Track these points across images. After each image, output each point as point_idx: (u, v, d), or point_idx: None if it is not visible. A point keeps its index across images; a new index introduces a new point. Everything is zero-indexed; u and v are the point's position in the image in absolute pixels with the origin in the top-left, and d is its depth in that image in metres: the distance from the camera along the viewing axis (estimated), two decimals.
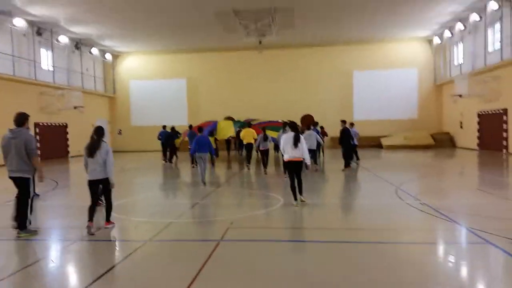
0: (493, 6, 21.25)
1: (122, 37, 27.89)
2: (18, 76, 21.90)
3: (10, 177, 6.76)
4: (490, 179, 13.17)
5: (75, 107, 25.45)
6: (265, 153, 15.11)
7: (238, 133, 21.09)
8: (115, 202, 7.47)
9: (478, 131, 24.49)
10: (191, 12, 22.20)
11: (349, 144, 15.45)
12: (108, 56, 31.96)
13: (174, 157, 20.86)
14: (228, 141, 24.72)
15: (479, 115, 24.34)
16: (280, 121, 21.81)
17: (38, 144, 21.30)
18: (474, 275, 4.94)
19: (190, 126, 20.04)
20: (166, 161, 20.59)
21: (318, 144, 15.65)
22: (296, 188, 8.80)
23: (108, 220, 7.11)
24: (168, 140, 20.93)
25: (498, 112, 22.08)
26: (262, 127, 16.27)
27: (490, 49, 22.92)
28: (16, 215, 6.72)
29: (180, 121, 28.90)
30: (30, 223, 6.81)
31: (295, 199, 8.74)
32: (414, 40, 30.14)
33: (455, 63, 27.69)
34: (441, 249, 5.96)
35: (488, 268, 5.14)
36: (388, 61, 30.48)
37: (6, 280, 4.82)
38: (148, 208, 9.52)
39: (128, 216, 8.23)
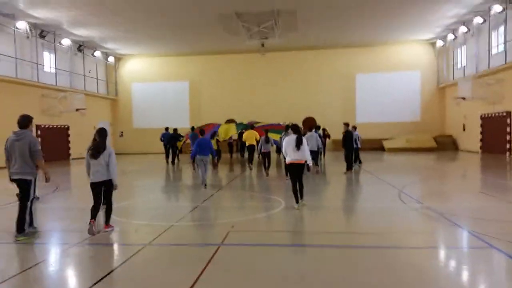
0: (497, 9, 21.18)
1: (125, 40, 27.95)
2: (21, 78, 21.96)
3: (12, 179, 6.76)
4: (493, 182, 13.07)
5: (77, 110, 25.48)
6: (266, 155, 15.09)
7: (240, 134, 21.10)
8: (115, 205, 7.43)
9: (481, 134, 24.39)
10: (194, 15, 22.22)
11: (352, 147, 15.43)
12: (111, 59, 32.08)
13: (176, 159, 20.86)
14: (230, 144, 24.72)
15: (482, 118, 24.24)
16: (282, 123, 21.79)
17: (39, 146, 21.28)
18: (477, 279, 4.86)
19: (193, 128, 20.06)
20: (168, 163, 20.65)
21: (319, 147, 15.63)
22: (298, 191, 8.75)
23: (107, 223, 7.07)
24: (171, 142, 20.96)
25: (501, 114, 21.98)
26: (265, 129, 16.26)
27: (493, 51, 22.84)
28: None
29: (182, 124, 28.89)
30: (28, 226, 6.79)
31: (297, 202, 8.68)
32: (417, 42, 30.09)
33: (458, 65, 27.62)
34: (443, 252, 5.88)
35: (491, 272, 5.07)
36: (391, 63, 30.42)
37: (5, 284, 4.77)
38: (149, 211, 9.46)
39: (129, 219, 8.19)
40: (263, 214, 8.65)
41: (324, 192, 11.97)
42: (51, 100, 24.41)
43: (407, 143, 28.20)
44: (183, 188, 13.46)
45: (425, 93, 30.59)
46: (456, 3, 21.44)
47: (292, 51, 30.58)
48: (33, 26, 23.01)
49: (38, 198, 9.94)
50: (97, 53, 29.75)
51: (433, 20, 24.53)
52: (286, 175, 12.52)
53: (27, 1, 19.53)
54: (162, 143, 22.06)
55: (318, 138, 14.76)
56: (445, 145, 28.15)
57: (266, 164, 15.00)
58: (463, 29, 25.29)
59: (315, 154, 14.09)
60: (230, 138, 24.03)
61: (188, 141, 20.28)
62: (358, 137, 16.73)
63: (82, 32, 25.47)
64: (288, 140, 8.73)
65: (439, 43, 29.16)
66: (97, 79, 30.88)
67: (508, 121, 21.28)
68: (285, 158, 9.07)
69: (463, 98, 24.01)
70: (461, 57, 27.31)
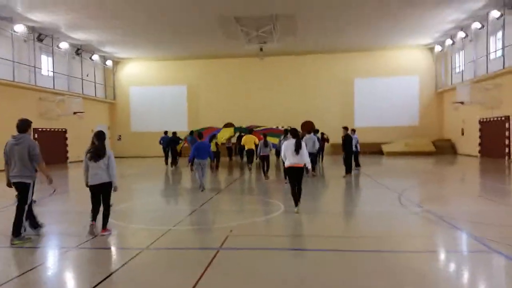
0: (495, 14, 21.25)
1: (123, 44, 27.93)
2: (18, 81, 21.90)
3: (12, 183, 6.74)
4: (491, 186, 13.07)
5: (74, 113, 25.42)
6: (265, 159, 15.11)
7: (239, 138, 21.10)
8: (113, 208, 7.38)
9: (480, 138, 24.42)
10: (193, 19, 22.22)
11: (351, 151, 15.46)
12: (109, 62, 32.04)
13: (175, 162, 20.86)
14: (229, 148, 24.70)
15: (480, 122, 24.28)
16: (280, 127, 21.81)
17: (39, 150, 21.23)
18: (476, 283, 4.85)
19: (191, 132, 20.03)
20: (168, 165, 20.71)
21: (317, 149, 15.72)
22: (297, 195, 8.73)
23: (104, 227, 7.00)
24: (169, 145, 20.98)
25: (500, 119, 22.03)
26: (263, 133, 16.31)
27: (491, 56, 22.91)
28: (27, 220, 6.82)
29: (180, 127, 28.80)
30: (25, 230, 6.76)
31: (296, 205, 8.65)
32: (415, 47, 30.18)
33: (457, 70, 27.70)
34: (443, 256, 5.86)
35: (490, 275, 5.05)
36: (390, 68, 30.50)
37: None
38: (147, 214, 9.41)
39: (126, 223, 8.13)
40: (263, 217, 8.62)
41: (323, 196, 11.94)
42: (48, 103, 24.34)
43: (406, 147, 28.23)
44: (182, 191, 13.42)
45: (424, 97, 30.66)
46: (455, 8, 21.49)
47: (291, 56, 30.60)
48: (31, 29, 22.99)
49: (35, 201, 9.87)
50: (95, 57, 29.73)
51: (431, 25, 24.61)
52: (285, 178, 12.50)
53: (25, 4, 19.52)
54: (160, 146, 22.06)
55: (316, 141, 14.81)
56: (444, 149, 28.19)
57: (265, 168, 15.03)
58: (461, 34, 25.40)
59: (313, 157, 14.13)
60: (229, 142, 24.03)
61: (187, 144, 20.26)
62: (357, 141, 16.80)
63: (80, 36, 25.45)
64: (287, 144, 8.73)
65: (437, 48, 29.26)
66: (95, 82, 30.83)
67: (507, 125, 21.32)
68: (284, 162, 9.07)
69: (462, 103, 24.08)
70: (459, 62, 27.40)
